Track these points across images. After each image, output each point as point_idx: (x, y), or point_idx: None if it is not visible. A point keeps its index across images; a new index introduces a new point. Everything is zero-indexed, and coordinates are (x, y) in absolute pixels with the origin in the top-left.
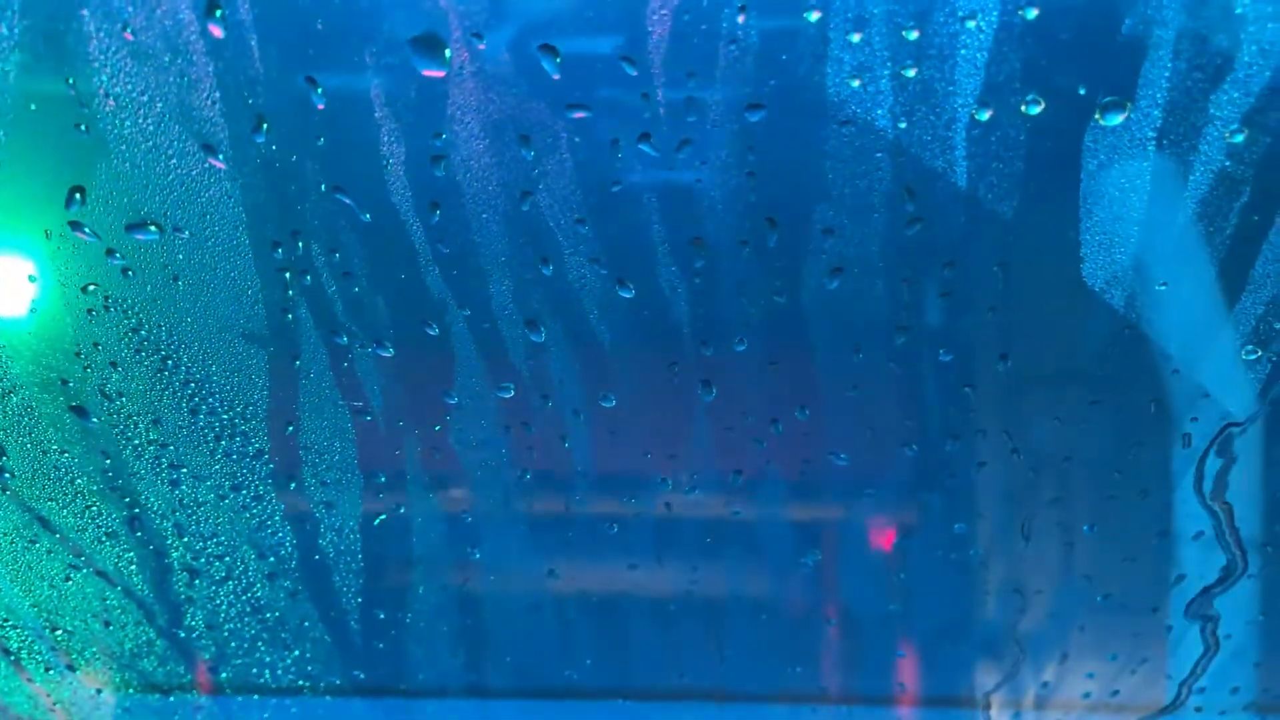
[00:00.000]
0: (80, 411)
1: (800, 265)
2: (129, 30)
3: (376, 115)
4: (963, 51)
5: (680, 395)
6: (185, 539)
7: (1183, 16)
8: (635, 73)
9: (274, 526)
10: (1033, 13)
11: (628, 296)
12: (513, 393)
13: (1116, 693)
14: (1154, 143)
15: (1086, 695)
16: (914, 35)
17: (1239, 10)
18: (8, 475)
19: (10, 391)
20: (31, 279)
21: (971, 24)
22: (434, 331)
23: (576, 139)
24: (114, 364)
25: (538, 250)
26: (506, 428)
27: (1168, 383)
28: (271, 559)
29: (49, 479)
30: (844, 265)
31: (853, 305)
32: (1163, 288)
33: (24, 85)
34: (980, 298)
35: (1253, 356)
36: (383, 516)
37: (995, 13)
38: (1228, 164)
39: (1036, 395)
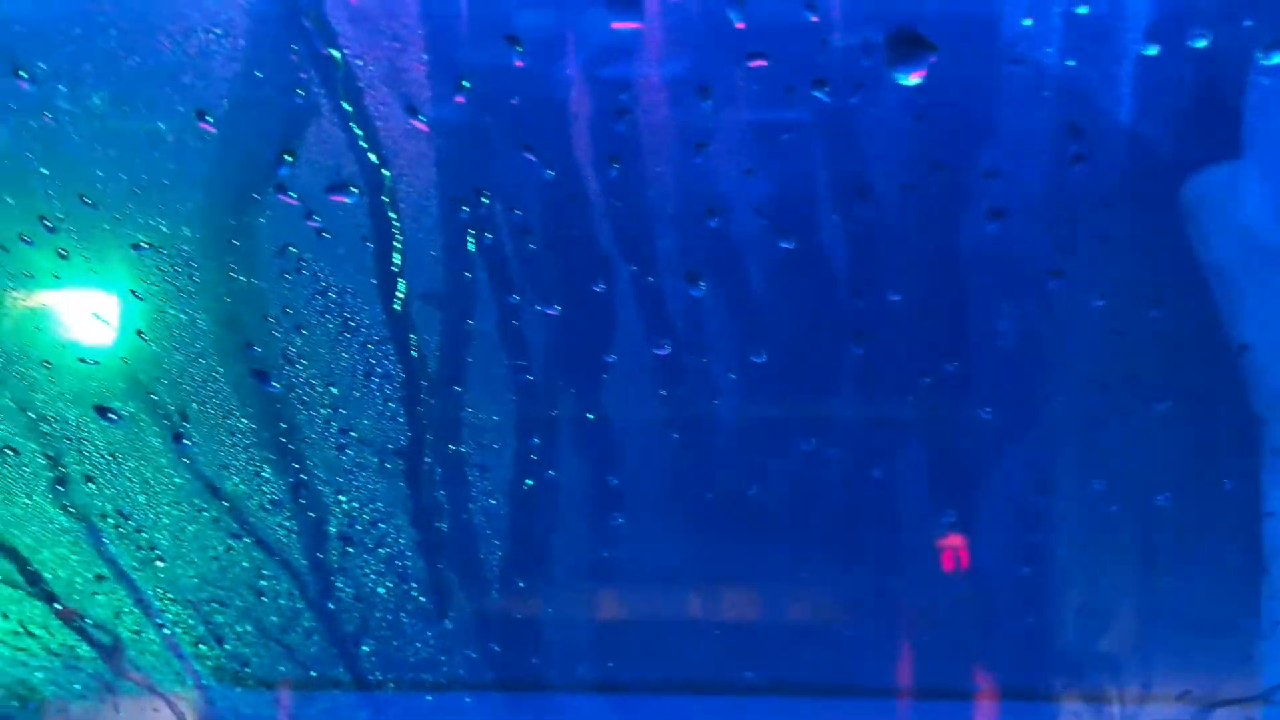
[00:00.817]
0: (262, 375)
1: (960, 210)
2: None
3: (569, 72)
4: None
5: (831, 349)
6: (344, 506)
7: None
8: (816, 19)
9: (429, 491)
10: None
11: (788, 248)
12: (668, 350)
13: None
14: None
15: (1184, 680)
16: None
17: None
18: (187, 442)
19: (200, 356)
20: (236, 244)
21: None
22: (600, 288)
23: (754, 88)
24: (299, 327)
25: (705, 203)
26: (659, 388)
27: None
28: (422, 527)
29: (224, 445)
30: (1005, 209)
31: (1009, 250)
32: None
33: (249, 52)
34: (1137, 240)
35: None
36: (530, 482)
37: None
38: None
39: (1189, 346)
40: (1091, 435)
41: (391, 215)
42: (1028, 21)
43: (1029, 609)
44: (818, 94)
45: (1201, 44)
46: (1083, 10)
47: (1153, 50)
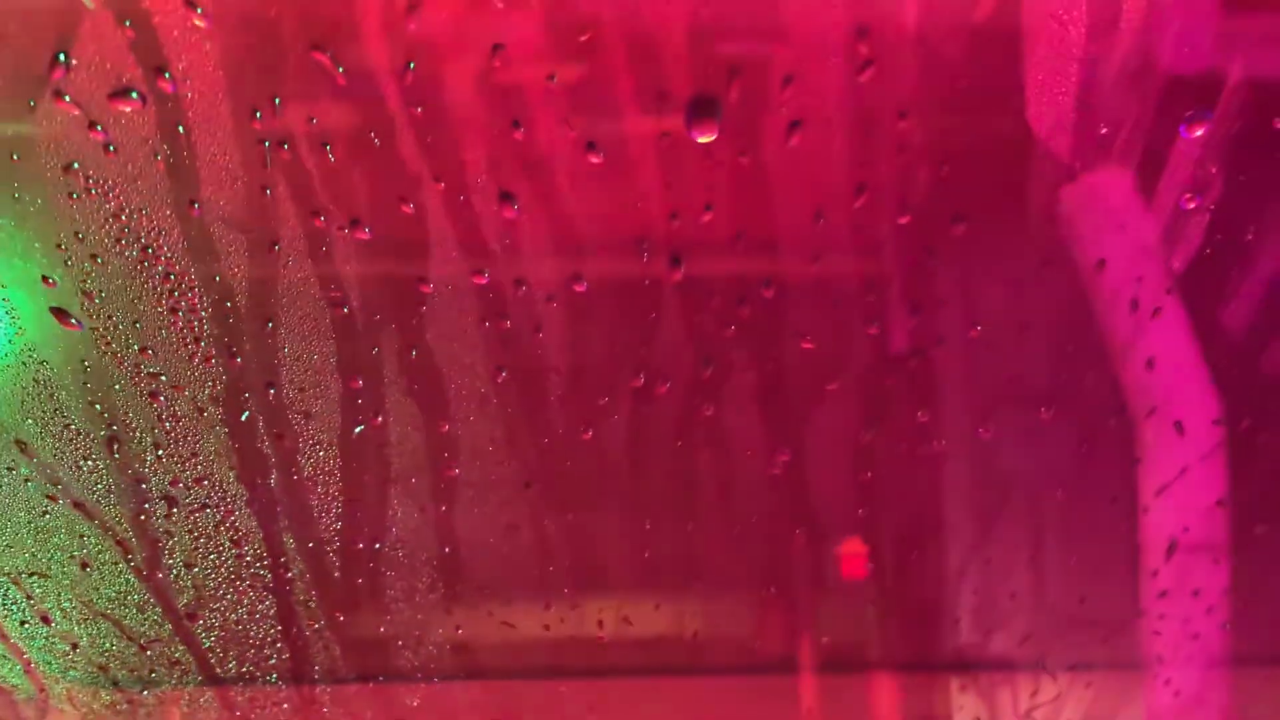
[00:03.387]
0: (61, 314)
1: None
2: None
3: None
4: None
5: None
6: (164, 460)
7: None
8: None
9: (254, 441)
10: None
11: (596, 163)
12: (488, 278)
13: (1083, 600)
14: None
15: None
16: None
17: None
18: None
19: None
20: (15, 156)
21: None
22: (409, 208)
23: None
24: (94, 256)
25: (510, 114)
26: (483, 320)
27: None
28: (248, 483)
29: (28, 393)
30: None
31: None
32: None
33: None
34: None
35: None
36: (361, 428)
37: None
38: None
39: None
40: None
41: (180, 124)
42: None
43: None
44: None
45: None
46: None
47: None
